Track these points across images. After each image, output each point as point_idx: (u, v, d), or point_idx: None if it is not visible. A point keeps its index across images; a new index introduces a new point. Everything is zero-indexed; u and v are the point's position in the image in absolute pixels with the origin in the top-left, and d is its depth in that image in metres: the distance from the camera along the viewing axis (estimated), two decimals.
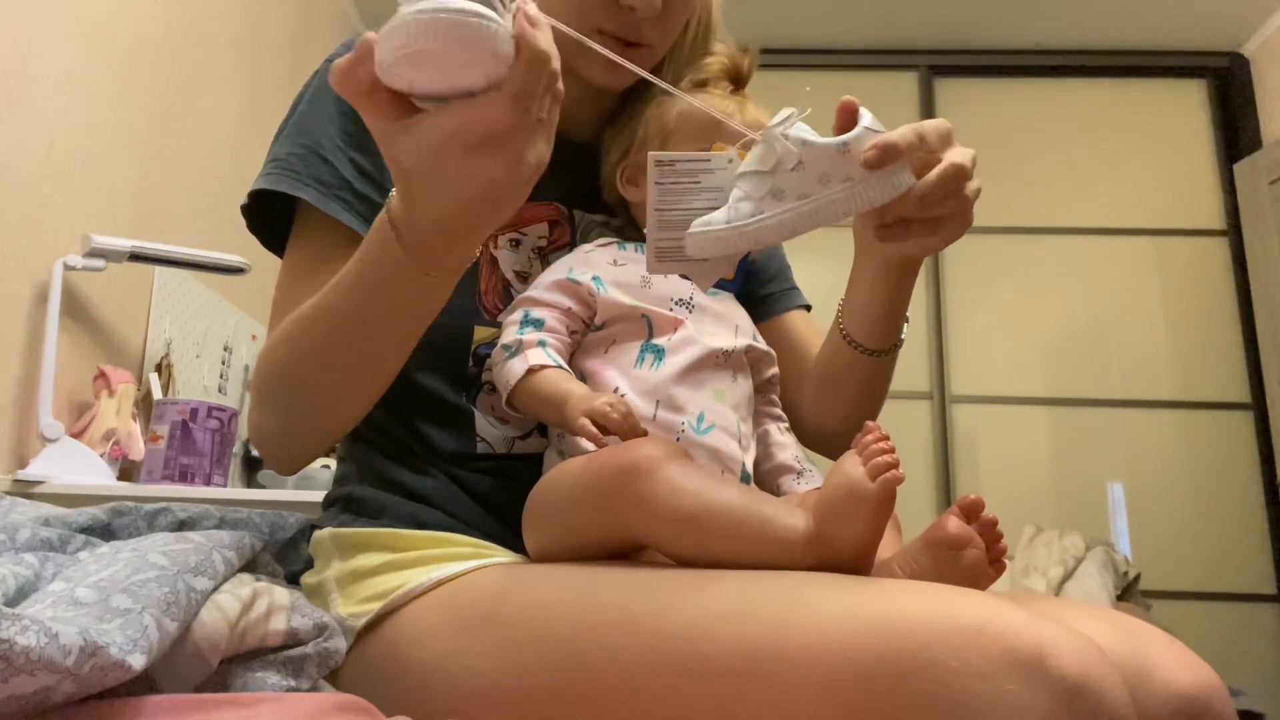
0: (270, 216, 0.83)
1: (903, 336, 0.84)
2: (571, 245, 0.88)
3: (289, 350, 0.74)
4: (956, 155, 0.66)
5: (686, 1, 0.85)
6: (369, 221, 0.79)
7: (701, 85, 0.89)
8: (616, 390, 0.74)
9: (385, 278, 0.66)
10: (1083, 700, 0.47)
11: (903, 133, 0.63)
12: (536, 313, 0.78)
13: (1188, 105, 3.30)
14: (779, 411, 0.88)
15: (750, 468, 0.78)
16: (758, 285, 0.97)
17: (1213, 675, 0.59)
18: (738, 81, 0.89)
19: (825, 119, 0.64)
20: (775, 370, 0.87)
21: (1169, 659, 0.58)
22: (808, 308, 1.00)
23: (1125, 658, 0.56)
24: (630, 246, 0.84)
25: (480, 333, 0.82)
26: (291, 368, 0.74)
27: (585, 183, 0.90)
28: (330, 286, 0.70)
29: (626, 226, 0.88)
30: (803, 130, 0.63)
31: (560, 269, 0.81)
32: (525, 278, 0.85)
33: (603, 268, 0.80)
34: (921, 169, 0.64)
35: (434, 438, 0.81)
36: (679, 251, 0.65)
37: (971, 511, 0.64)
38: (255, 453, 2.12)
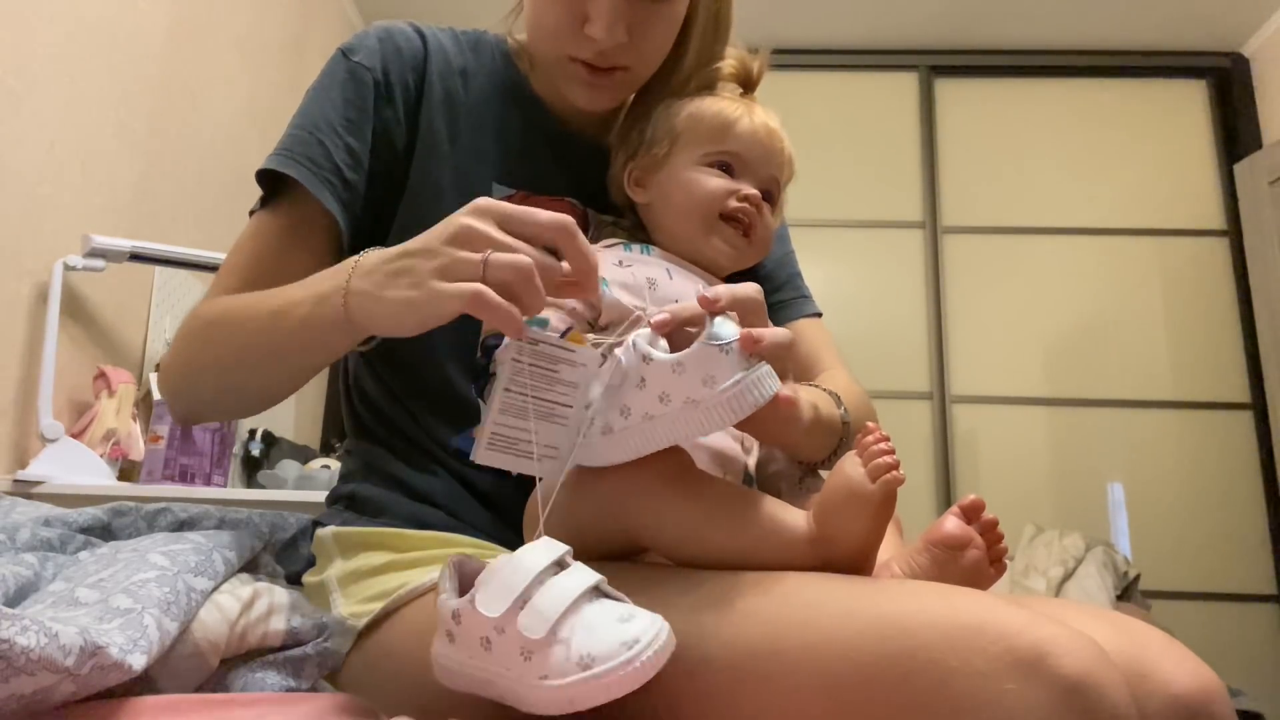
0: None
1: (844, 419, 0.78)
2: None
3: (221, 332, 0.75)
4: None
5: (666, 21, 0.82)
6: (348, 207, 0.80)
7: (710, 87, 0.88)
8: None
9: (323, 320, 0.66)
10: (1083, 699, 0.47)
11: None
12: (541, 312, 0.78)
13: (1188, 105, 3.30)
14: None
15: (753, 470, 0.78)
16: (767, 294, 0.97)
17: (1212, 676, 0.59)
18: (747, 84, 0.89)
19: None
20: None
21: (1168, 660, 0.58)
22: (818, 315, 0.99)
23: (1125, 659, 0.56)
24: (636, 248, 0.83)
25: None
26: (209, 352, 0.76)
27: (597, 181, 0.90)
28: (268, 305, 0.71)
29: (635, 227, 0.88)
30: (645, 341, 0.59)
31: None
32: None
33: (608, 268, 0.80)
34: None
35: (440, 434, 0.81)
36: (512, 443, 0.60)
37: (972, 512, 0.64)
38: (255, 452, 2.12)
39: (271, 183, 0.81)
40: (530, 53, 0.89)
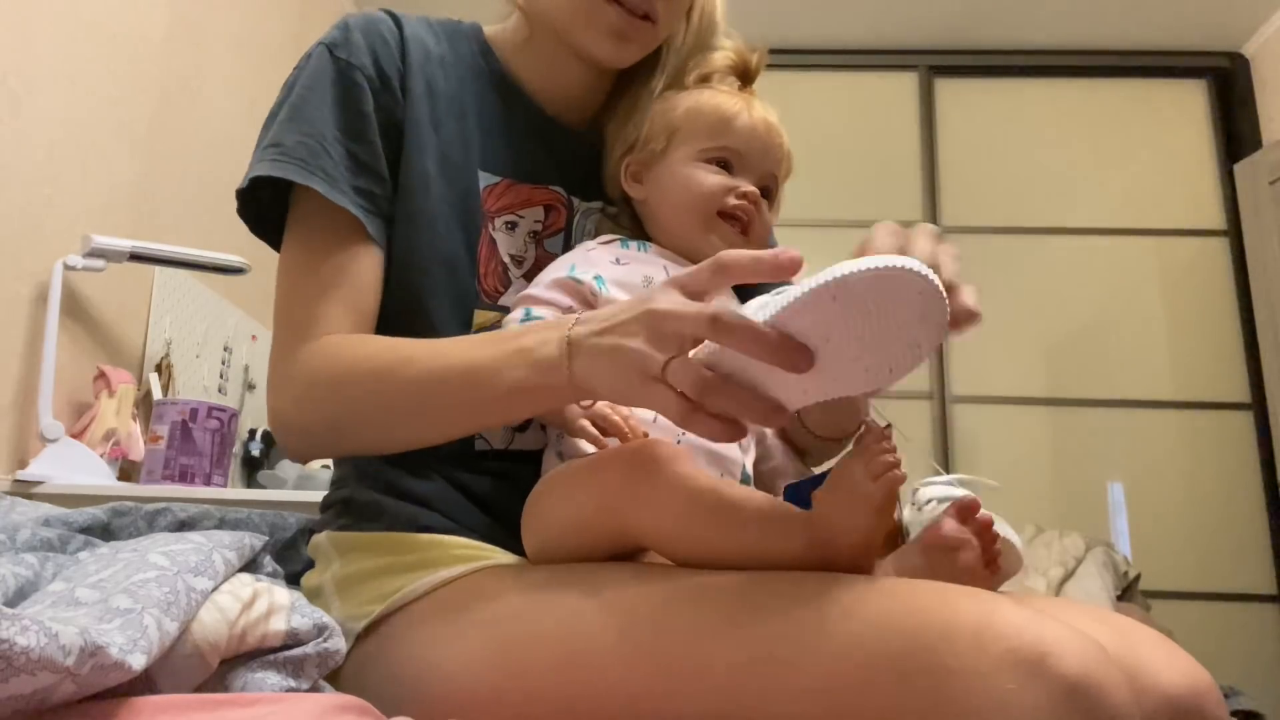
0: (257, 202, 0.82)
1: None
2: (567, 231, 0.88)
3: (375, 396, 0.74)
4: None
5: None
6: (366, 212, 0.79)
7: (707, 80, 0.88)
8: None
9: (541, 390, 0.67)
10: (1084, 699, 0.47)
11: None
12: (538, 311, 0.77)
13: (1188, 105, 3.29)
14: None
15: (750, 470, 0.78)
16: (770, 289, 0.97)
17: (1205, 675, 0.59)
18: (745, 78, 0.88)
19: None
20: None
21: (1160, 659, 0.58)
22: None
23: (1117, 658, 0.56)
24: (633, 245, 0.83)
25: (480, 316, 0.82)
26: (370, 409, 0.74)
27: (581, 169, 0.89)
28: (450, 362, 0.71)
29: (623, 215, 0.88)
30: None
31: (562, 267, 0.80)
32: (520, 261, 0.85)
33: (605, 266, 0.79)
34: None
35: None
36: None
37: (967, 513, 0.64)
38: (255, 452, 2.12)
39: (254, 187, 0.79)
40: (532, 20, 0.88)
